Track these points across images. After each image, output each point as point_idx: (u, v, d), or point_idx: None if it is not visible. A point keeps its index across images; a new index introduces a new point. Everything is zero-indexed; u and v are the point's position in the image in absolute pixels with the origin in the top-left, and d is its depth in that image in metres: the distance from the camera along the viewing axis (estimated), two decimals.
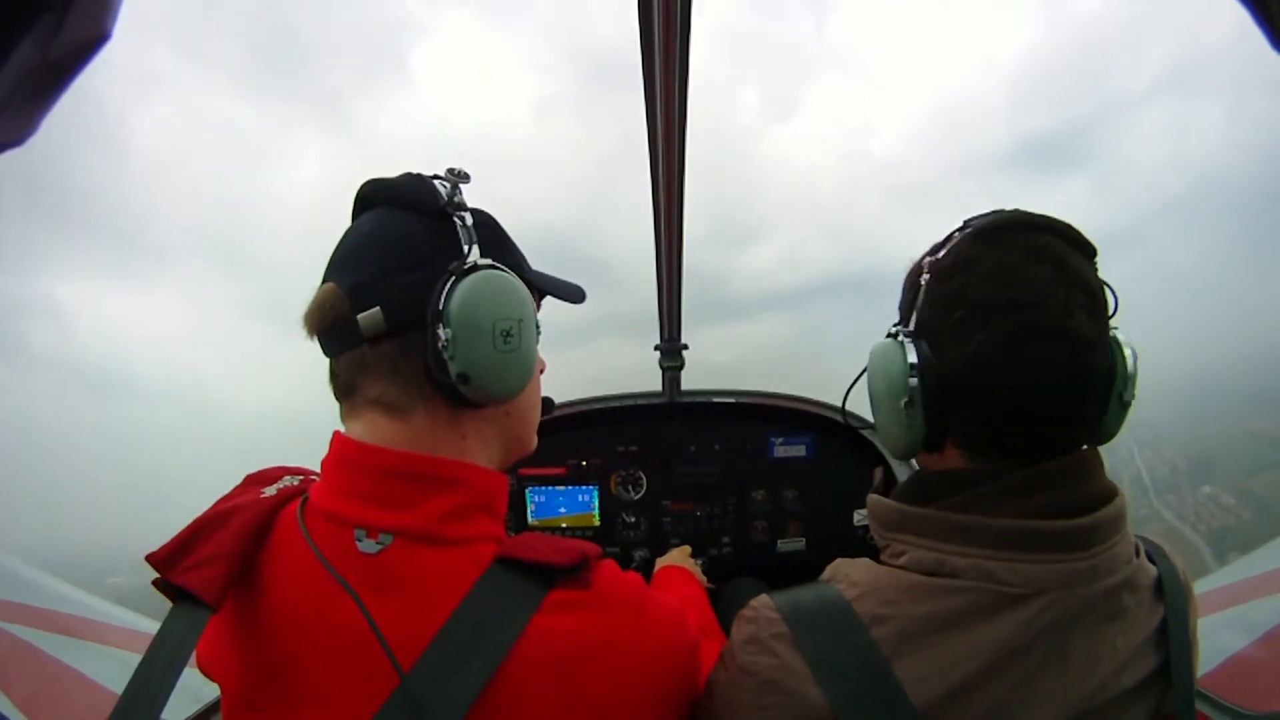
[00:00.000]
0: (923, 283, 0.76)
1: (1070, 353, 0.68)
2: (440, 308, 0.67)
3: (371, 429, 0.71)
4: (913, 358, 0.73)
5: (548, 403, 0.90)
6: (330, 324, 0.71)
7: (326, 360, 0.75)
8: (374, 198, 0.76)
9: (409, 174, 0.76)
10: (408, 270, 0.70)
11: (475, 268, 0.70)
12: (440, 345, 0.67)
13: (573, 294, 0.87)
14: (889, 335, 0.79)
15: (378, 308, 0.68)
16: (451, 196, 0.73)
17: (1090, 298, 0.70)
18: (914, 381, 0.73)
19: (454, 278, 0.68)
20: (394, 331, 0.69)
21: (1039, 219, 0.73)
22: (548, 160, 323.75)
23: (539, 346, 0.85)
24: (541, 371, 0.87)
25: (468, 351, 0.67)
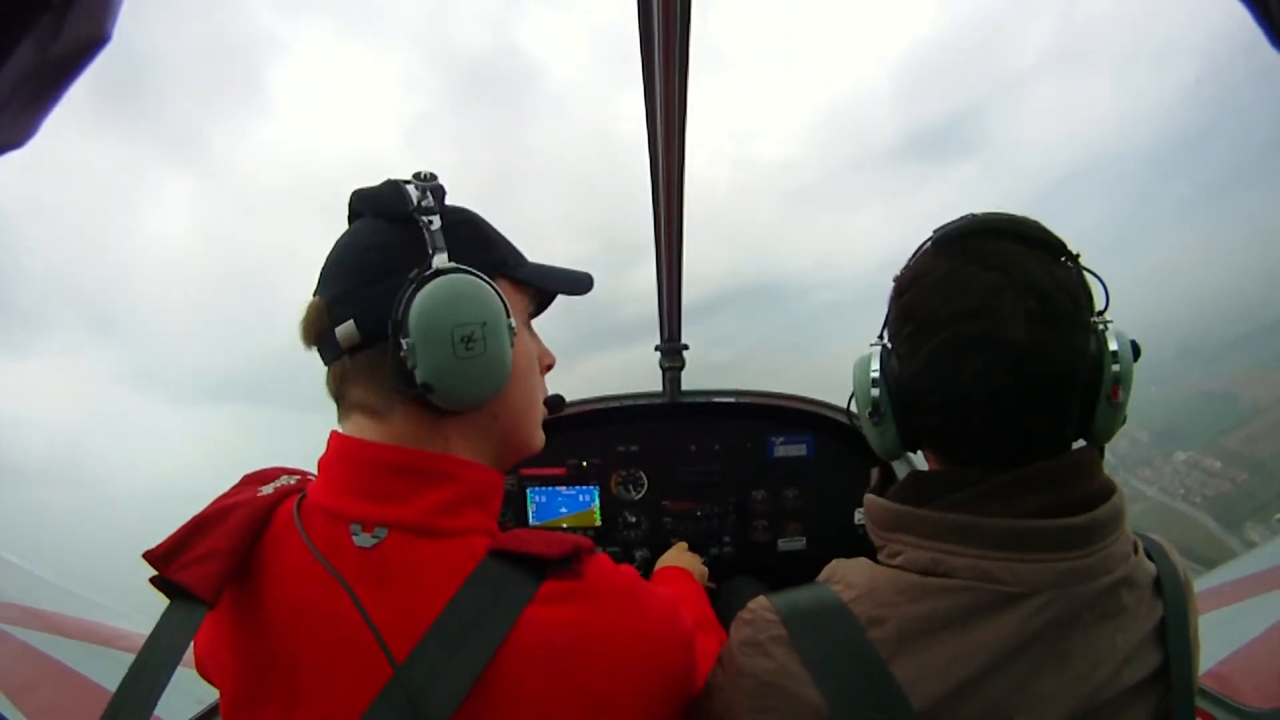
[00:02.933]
0: (890, 296, 0.79)
1: (1008, 363, 0.67)
2: (400, 317, 0.66)
3: (357, 431, 0.73)
4: (876, 369, 0.77)
5: (557, 400, 0.88)
6: (316, 336, 0.73)
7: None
8: (358, 209, 0.77)
9: (389, 181, 0.74)
10: (377, 280, 0.70)
11: (437, 273, 0.68)
12: (401, 355, 0.66)
13: (574, 285, 0.85)
14: (870, 346, 0.82)
15: (352, 320, 0.69)
16: (420, 200, 0.71)
17: (1043, 302, 0.67)
18: (876, 392, 0.77)
19: (414, 285, 0.67)
20: (366, 343, 0.70)
21: (998, 222, 0.73)
22: None
23: (548, 343, 0.86)
24: (550, 368, 0.86)
25: (429, 360, 0.66)
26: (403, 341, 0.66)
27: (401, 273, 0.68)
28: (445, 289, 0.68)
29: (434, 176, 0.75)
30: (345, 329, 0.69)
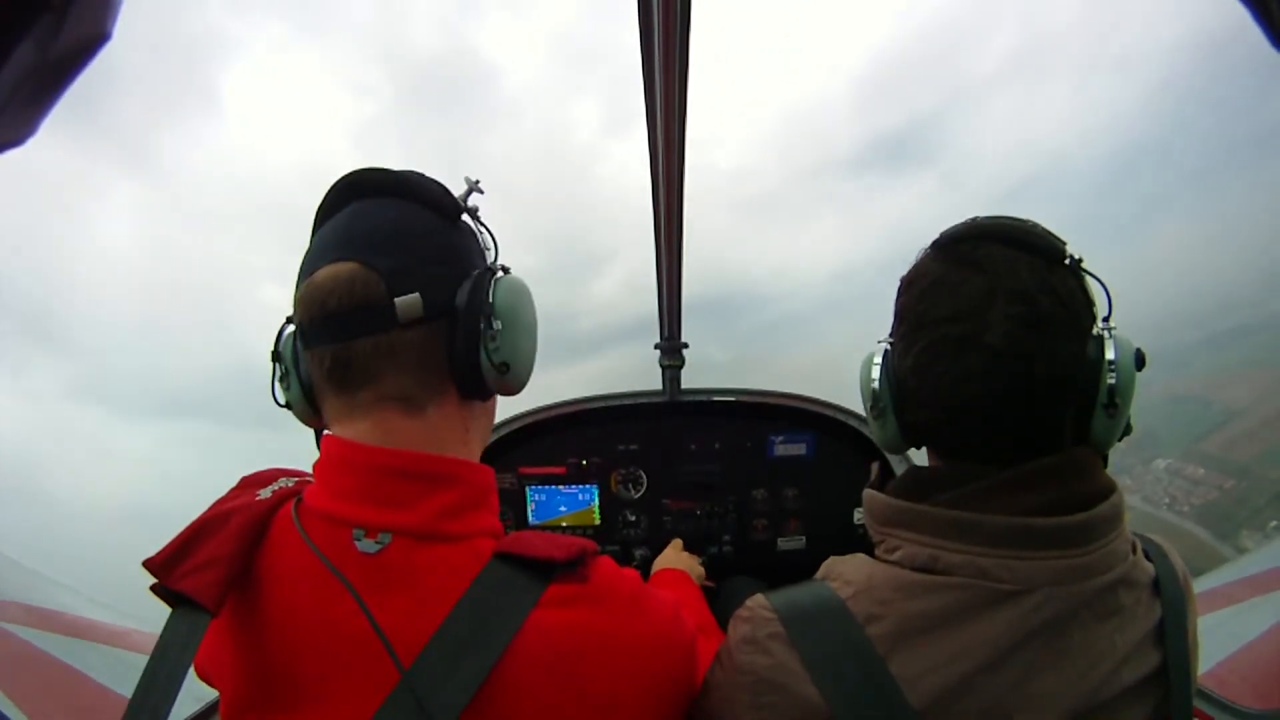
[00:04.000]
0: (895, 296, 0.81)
1: (988, 366, 0.68)
2: (490, 301, 0.73)
3: (383, 429, 0.70)
4: (878, 364, 0.81)
5: None
6: (361, 304, 0.68)
7: (318, 351, 0.71)
8: (376, 187, 0.75)
9: (413, 171, 0.77)
10: (442, 263, 0.73)
11: (507, 270, 0.79)
12: (490, 335, 0.72)
13: None
14: (877, 343, 0.84)
15: (417, 294, 0.69)
16: (466, 200, 0.78)
17: (1030, 307, 0.68)
18: (876, 388, 0.80)
19: (493, 275, 0.76)
20: (427, 319, 0.70)
21: (995, 227, 0.73)
22: None
23: None
24: None
25: (512, 342, 0.74)
26: (493, 322, 0.73)
27: (461, 262, 0.75)
28: (524, 286, 0.79)
29: (477, 183, 0.80)
30: (409, 301, 0.68)
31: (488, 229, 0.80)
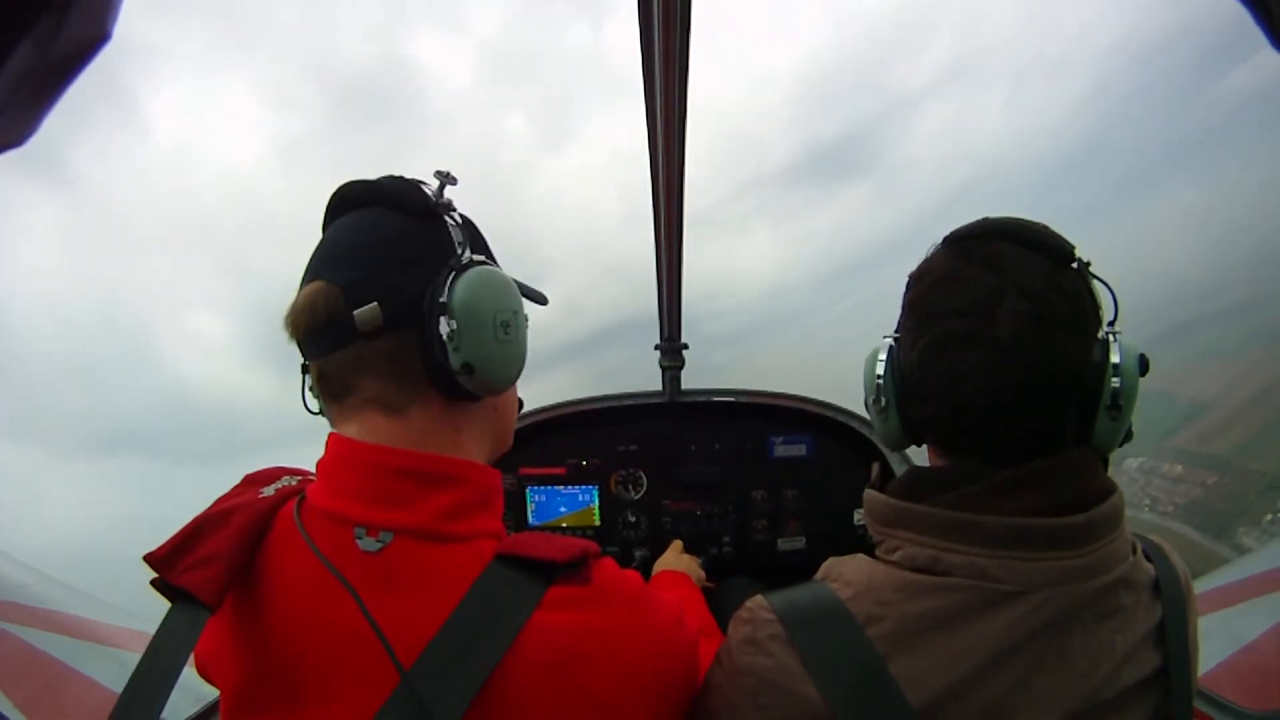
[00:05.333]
0: (903, 291, 0.81)
1: (995, 361, 0.69)
2: (443, 299, 0.69)
3: (368, 429, 0.72)
4: (883, 359, 0.80)
5: (520, 402, 0.91)
6: (324, 321, 0.70)
7: (310, 365, 0.74)
8: (356, 199, 0.76)
9: (391, 176, 0.76)
10: (403, 267, 0.71)
11: (473, 263, 0.73)
12: (445, 336, 0.69)
13: (540, 298, 0.91)
14: (884, 338, 0.84)
15: (375, 303, 0.69)
16: (439, 196, 0.75)
17: (1037, 304, 0.68)
18: (880, 381, 0.80)
19: (454, 271, 0.71)
20: (389, 327, 0.70)
21: (1005, 226, 0.74)
22: (301, 218, 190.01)
23: None
24: None
25: (472, 342, 0.70)
26: (445, 324, 0.69)
27: (428, 262, 0.71)
28: (487, 277, 0.73)
29: (453, 177, 0.77)
30: (368, 311, 0.68)
31: (458, 221, 0.76)
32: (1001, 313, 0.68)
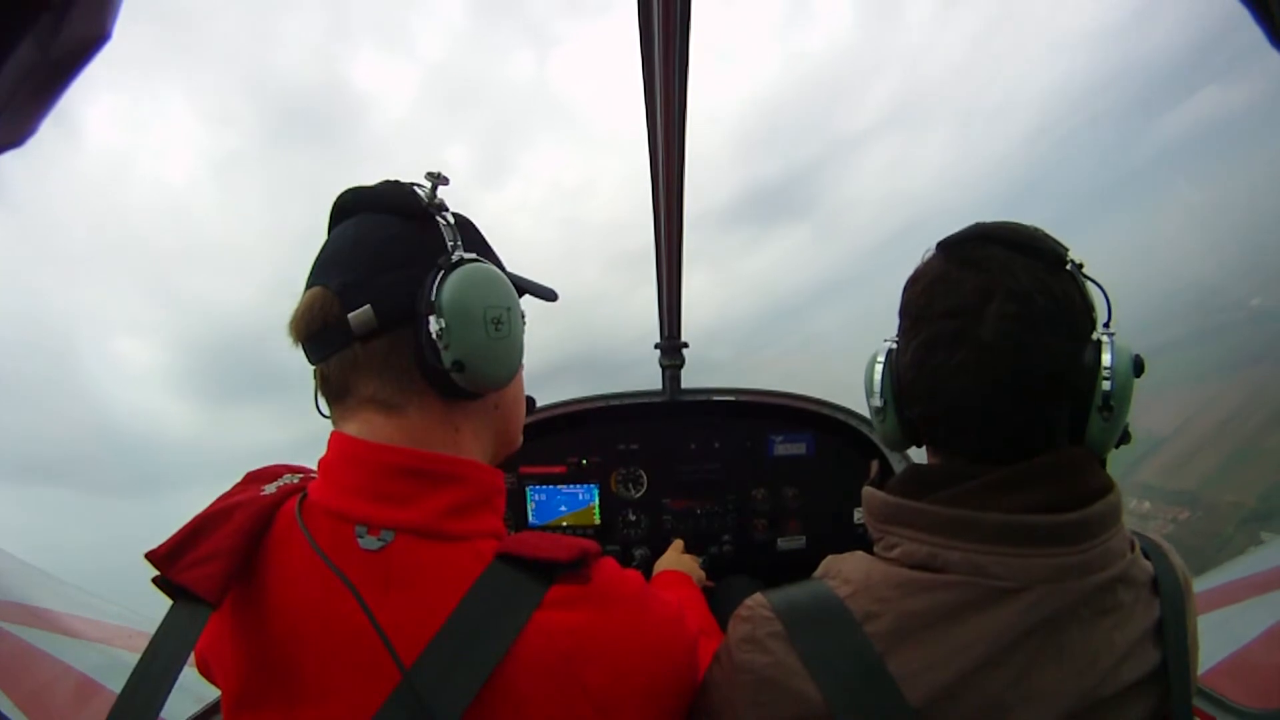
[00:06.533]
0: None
1: (977, 360, 0.70)
2: (432, 299, 0.70)
3: (367, 428, 0.72)
4: (881, 360, 0.82)
5: (530, 401, 0.91)
6: (321, 325, 0.72)
7: (314, 368, 0.75)
8: (353, 205, 0.78)
9: (387, 180, 0.77)
10: (395, 268, 0.72)
11: (463, 261, 0.73)
12: (434, 335, 0.69)
13: (548, 294, 0.91)
14: (884, 341, 0.85)
15: (368, 305, 0.69)
16: (432, 198, 0.76)
17: (1024, 306, 0.69)
18: (878, 383, 0.82)
19: (443, 270, 0.71)
20: (384, 329, 0.70)
21: (997, 229, 0.75)
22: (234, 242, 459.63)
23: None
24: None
25: (461, 339, 0.70)
26: (434, 322, 0.69)
27: (420, 263, 0.72)
28: (477, 274, 0.73)
29: (445, 178, 0.77)
30: (361, 314, 0.69)
31: (449, 220, 0.76)
32: (988, 314, 0.69)
